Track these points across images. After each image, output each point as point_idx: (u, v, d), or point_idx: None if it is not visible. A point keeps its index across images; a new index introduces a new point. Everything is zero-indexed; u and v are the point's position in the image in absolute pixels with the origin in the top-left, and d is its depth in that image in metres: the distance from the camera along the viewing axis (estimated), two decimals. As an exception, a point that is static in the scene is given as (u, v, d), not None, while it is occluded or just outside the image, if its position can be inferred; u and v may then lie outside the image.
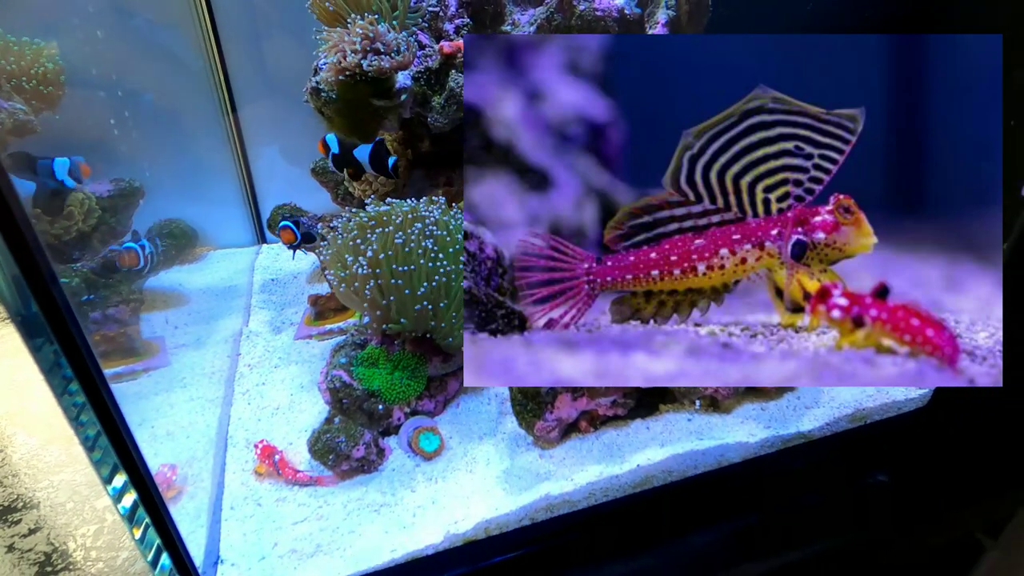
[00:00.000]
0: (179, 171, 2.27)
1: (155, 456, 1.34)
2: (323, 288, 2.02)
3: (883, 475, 1.46)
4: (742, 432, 1.38)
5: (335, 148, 1.54)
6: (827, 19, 1.63)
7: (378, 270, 1.34)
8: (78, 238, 1.88)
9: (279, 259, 2.39)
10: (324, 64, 1.46)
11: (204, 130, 2.27)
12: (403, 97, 1.52)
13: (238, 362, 1.72)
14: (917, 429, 1.50)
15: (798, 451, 1.42)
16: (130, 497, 0.91)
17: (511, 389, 1.33)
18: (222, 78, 2.18)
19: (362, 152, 1.51)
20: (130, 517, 0.91)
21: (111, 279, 1.77)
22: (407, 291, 1.34)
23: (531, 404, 1.31)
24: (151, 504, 0.91)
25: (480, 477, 1.28)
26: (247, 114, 2.26)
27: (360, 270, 1.34)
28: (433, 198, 1.44)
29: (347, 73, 1.37)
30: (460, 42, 1.57)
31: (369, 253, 1.34)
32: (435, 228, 1.39)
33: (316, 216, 2.14)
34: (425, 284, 1.35)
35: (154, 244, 1.87)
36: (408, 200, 1.43)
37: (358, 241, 1.36)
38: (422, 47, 1.61)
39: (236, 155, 2.34)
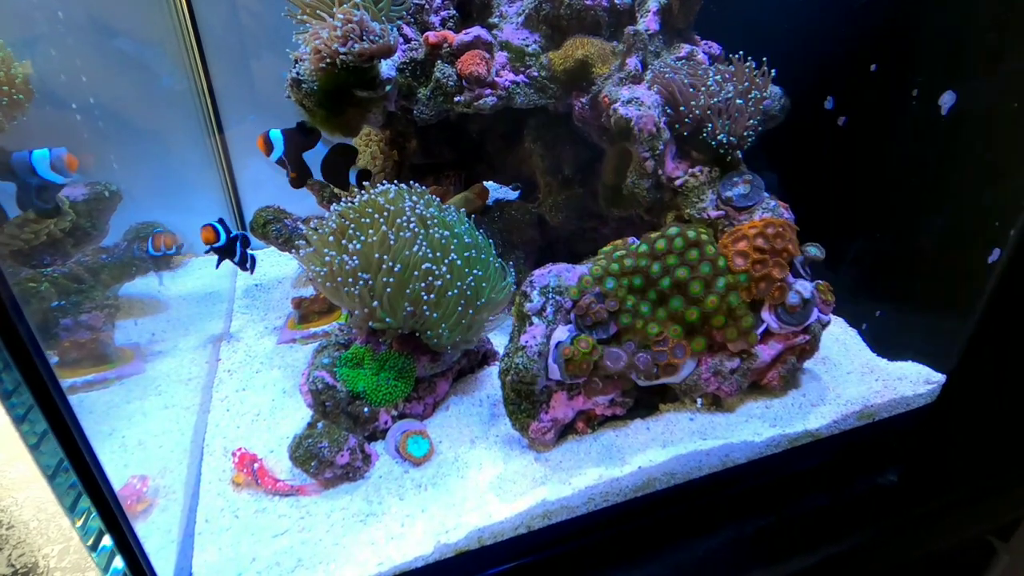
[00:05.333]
0: (160, 178, 2.22)
1: (125, 468, 1.27)
2: (309, 291, 1.95)
3: (892, 474, 1.41)
4: (747, 431, 1.32)
5: (278, 148, 1.45)
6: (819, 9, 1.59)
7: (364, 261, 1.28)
8: (49, 242, 1.80)
9: (264, 264, 2.33)
10: (305, 52, 1.40)
11: (186, 136, 2.22)
12: (388, 88, 1.46)
13: (217, 368, 1.65)
14: (926, 426, 1.45)
15: (806, 450, 1.37)
16: (92, 517, 0.83)
17: (504, 388, 1.26)
18: (205, 86, 2.13)
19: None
20: (93, 545, 0.84)
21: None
22: (393, 288, 1.27)
23: (525, 404, 1.24)
24: (114, 524, 0.83)
25: (472, 483, 1.22)
26: (231, 120, 2.21)
27: (347, 264, 1.27)
28: (417, 188, 1.37)
29: (328, 61, 1.31)
30: (446, 32, 1.52)
31: (356, 246, 1.27)
32: (417, 223, 1.32)
33: (300, 219, 2.08)
34: (411, 286, 1.28)
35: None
36: (396, 185, 1.37)
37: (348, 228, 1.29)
38: (407, 40, 1.56)
39: (219, 161, 2.28)
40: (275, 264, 2.31)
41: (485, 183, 1.90)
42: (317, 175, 1.64)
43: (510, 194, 2.18)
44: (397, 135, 2.03)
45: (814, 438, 1.36)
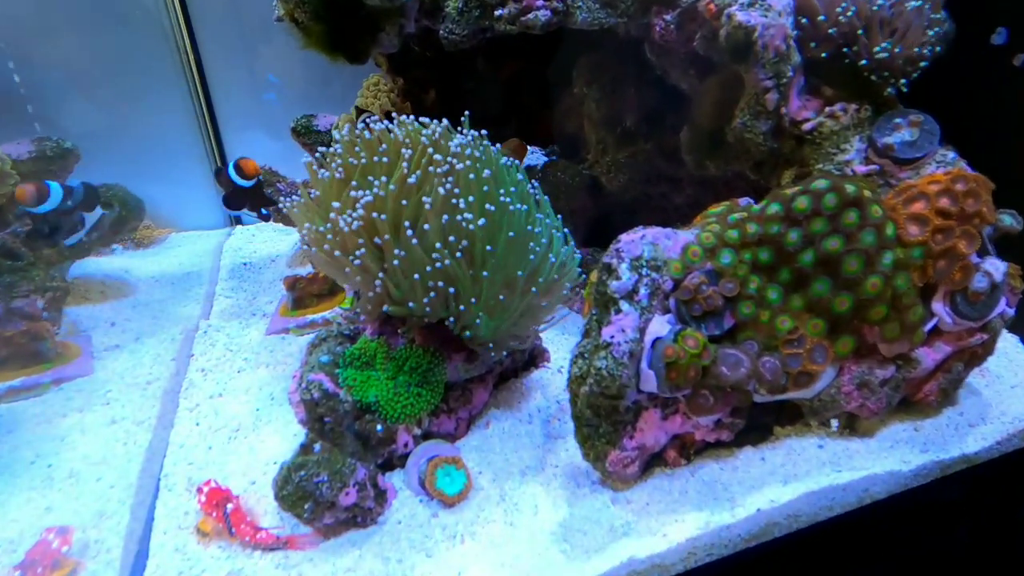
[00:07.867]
0: (133, 144, 2.00)
1: (46, 512, 0.98)
2: (307, 269, 1.64)
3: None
4: (893, 459, 1.07)
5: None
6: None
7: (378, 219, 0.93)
8: (-17, 208, 1.47)
9: (254, 240, 2.11)
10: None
11: (164, 98, 2.00)
12: (405, -3, 1.11)
13: (189, 366, 1.36)
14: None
15: (960, 479, 1.12)
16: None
17: (576, 403, 0.94)
18: (188, 43, 1.91)
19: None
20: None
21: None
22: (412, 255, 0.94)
23: (604, 425, 0.92)
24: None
25: (526, 533, 0.97)
26: (217, 82, 2.01)
27: (351, 224, 0.95)
28: (440, 124, 1.03)
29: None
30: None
31: (367, 199, 0.95)
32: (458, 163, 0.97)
33: (294, 183, 1.80)
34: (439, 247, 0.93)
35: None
36: (420, 120, 1.03)
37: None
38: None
39: (203, 128, 2.08)
40: (267, 239, 2.06)
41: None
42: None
43: (541, 159, 1.87)
44: (412, 84, 1.74)
45: (969, 463, 1.11)
